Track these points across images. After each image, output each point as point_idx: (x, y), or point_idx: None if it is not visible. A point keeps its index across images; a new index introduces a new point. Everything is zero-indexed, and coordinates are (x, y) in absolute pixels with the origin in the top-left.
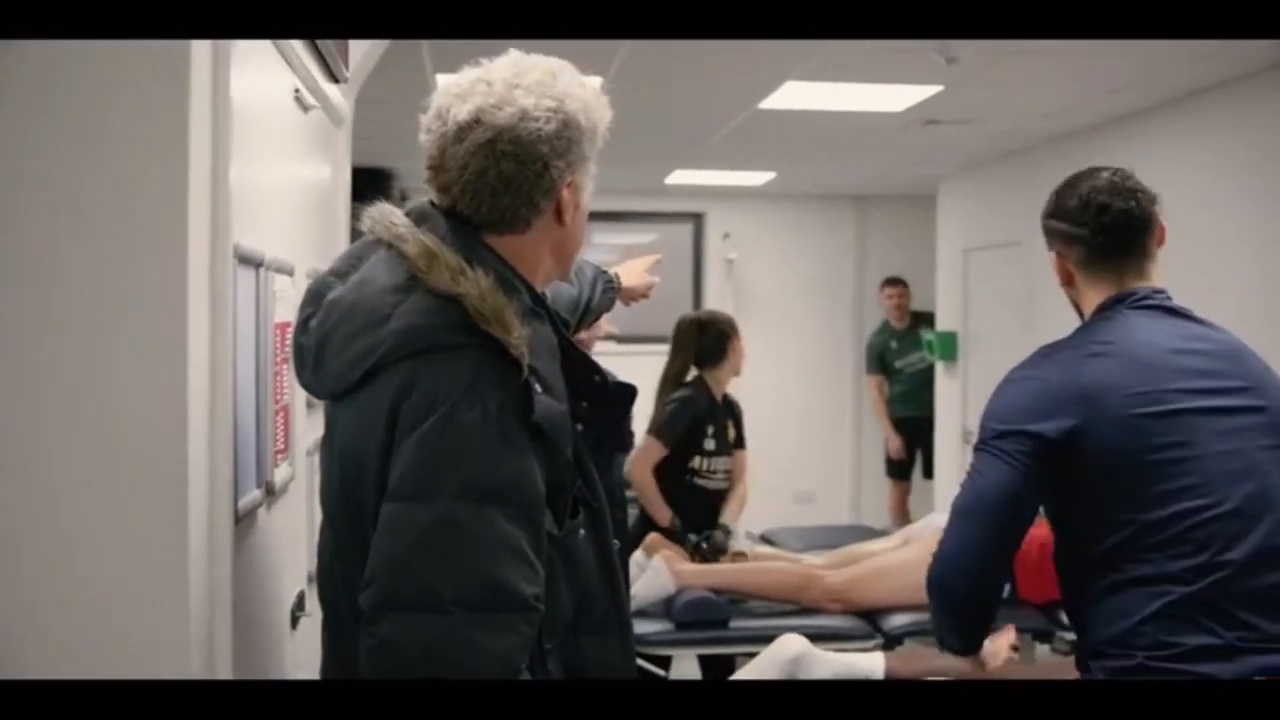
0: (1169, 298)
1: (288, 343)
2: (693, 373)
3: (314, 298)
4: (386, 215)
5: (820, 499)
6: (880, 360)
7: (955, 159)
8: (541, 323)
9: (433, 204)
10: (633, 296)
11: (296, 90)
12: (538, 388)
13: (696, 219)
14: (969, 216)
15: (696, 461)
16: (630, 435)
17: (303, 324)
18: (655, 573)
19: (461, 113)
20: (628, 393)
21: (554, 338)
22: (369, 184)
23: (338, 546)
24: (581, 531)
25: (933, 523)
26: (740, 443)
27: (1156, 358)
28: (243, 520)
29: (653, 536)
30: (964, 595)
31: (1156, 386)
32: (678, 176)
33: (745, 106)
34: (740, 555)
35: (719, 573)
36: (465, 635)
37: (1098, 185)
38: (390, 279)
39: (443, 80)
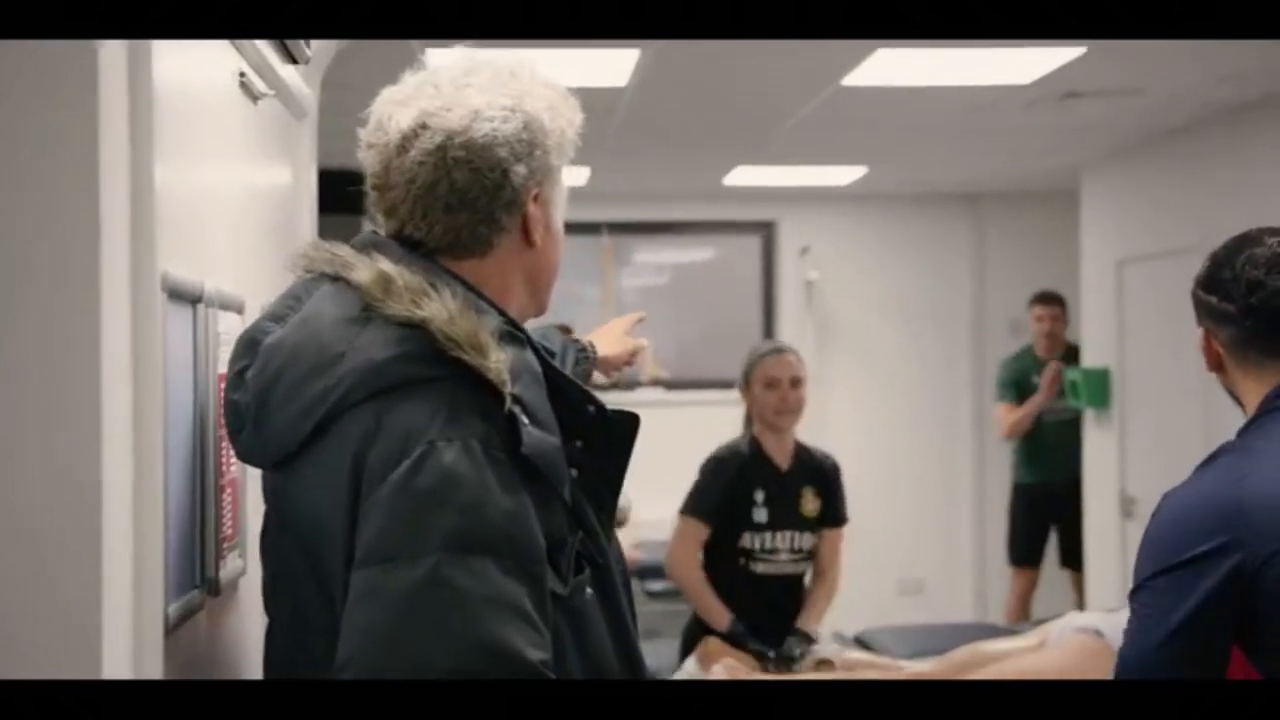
0: None
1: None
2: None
3: (248, 347)
4: (325, 248)
5: (932, 589)
6: (1017, 386)
7: (1102, 143)
8: (521, 348)
9: (375, 233)
10: (613, 366)
11: (242, 75)
12: (524, 418)
13: (766, 229)
14: (1123, 217)
15: (747, 540)
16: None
17: (236, 378)
18: None
19: (404, 120)
20: (628, 424)
21: (537, 365)
22: (343, 190)
23: (292, 656)
24: (589, 591)
25: (1074, 622)
26: (833, 518)
27: None
28: (177, 630)
29: (710, 642)
30: None
31: None
32: (740, 175)
33: (825, 84)
34: (825, 664)
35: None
36: None
37: (1255, 257)
38: (340, 311)
39: (384, 90)
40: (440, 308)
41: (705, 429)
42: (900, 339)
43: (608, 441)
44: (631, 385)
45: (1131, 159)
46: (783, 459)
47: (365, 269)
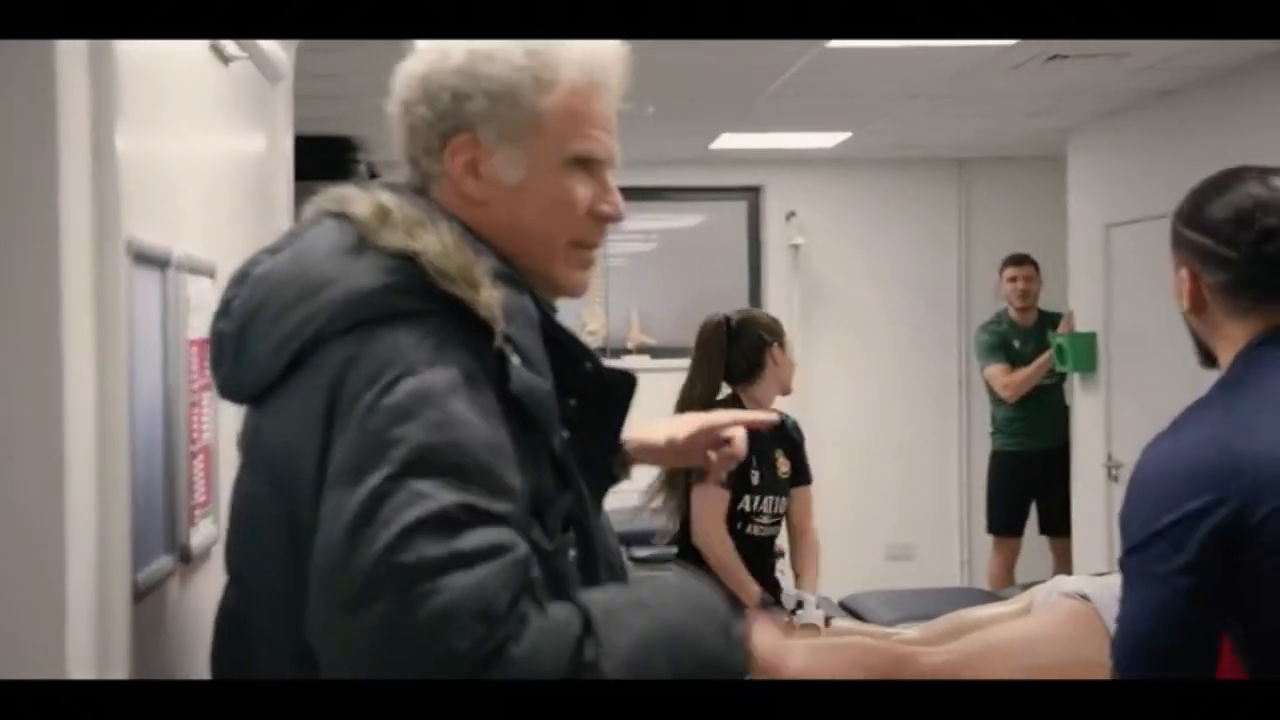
0: None
1: (207, 363)
2: (725, 391)
3: (240, 278)
4: (333, 190)
5: (921, 555)
6: (1003, 349)
7: (1089, 106)
8: (517, 290)
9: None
10: (671, 456)
11: None
12: (515, 358)
13: (752, 194)
14: (1110, 181)
15: (745, 503)
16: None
17: (224, 307)
18: None
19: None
20: (625, 384)
21: (533, 309)
22: (323, 157)
23: (250, 607)
24: (572, 553)
25: (1059, 586)
26: (805, 478)
27: None
28: (146, 597)
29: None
30: None
31: None
32: (726, 140)
33: (808, 45)
34: (811, 629)
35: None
36: (409, 620)
37: (1264, 200)
38: (334, 242)
39: None
40: (435, 240)
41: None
42: (886, 304)
43: (603, 401)
44: (617, 353)
45: (1118, 123)
46: None
47: (364, 201)
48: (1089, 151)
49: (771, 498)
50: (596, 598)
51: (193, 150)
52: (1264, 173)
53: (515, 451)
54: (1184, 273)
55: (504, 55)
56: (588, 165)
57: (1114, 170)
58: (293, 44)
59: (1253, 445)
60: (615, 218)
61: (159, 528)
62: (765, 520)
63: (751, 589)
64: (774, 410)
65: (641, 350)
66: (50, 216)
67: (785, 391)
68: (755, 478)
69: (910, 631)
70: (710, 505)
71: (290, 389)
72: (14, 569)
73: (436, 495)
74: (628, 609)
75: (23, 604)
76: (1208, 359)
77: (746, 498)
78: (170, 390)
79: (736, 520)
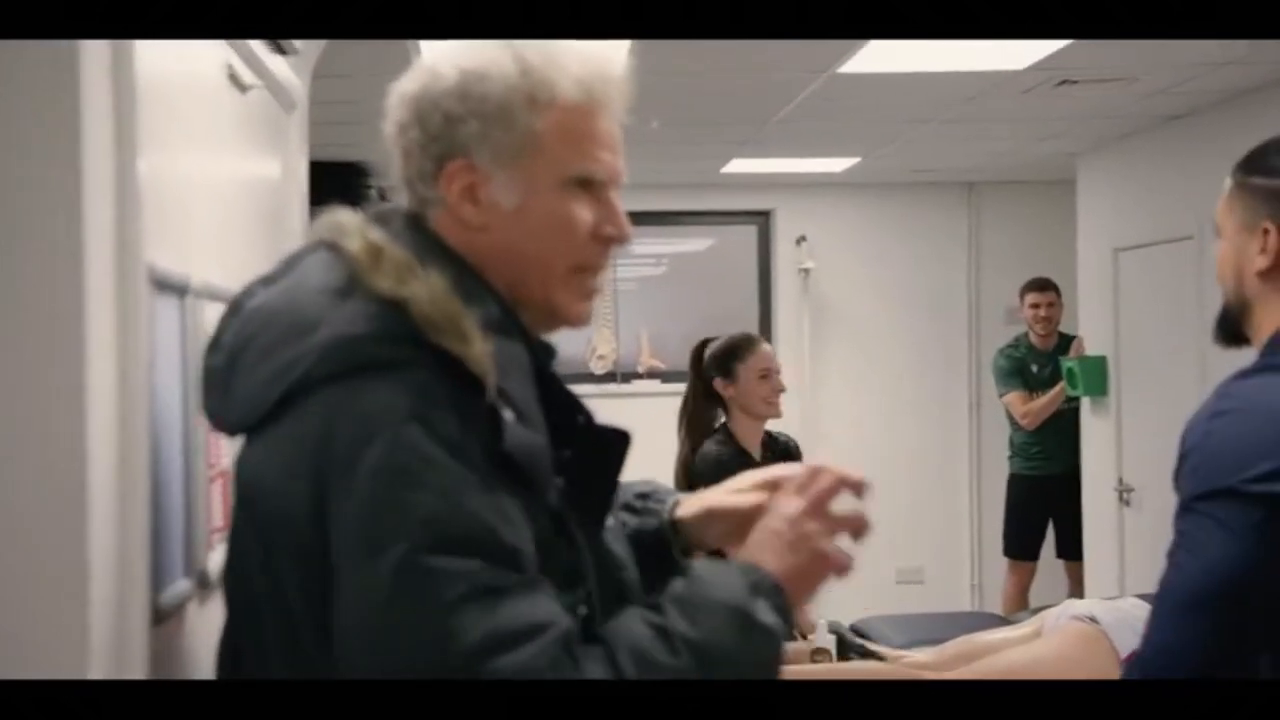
0: None
1: None
2: (722, 418)
3: (234, 310)
4: (330, 215)
5: (932, 579)
6: (1020, 374)
7: (1098, 130)
8: (512, 340)
9: (395, 205)
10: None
11: (230, 67)
12: (508, 414)
13: (762, 219)
14: (1119, 205)
15: None
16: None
17: (215, 340)
18: None
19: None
20: (618, 441)
21: (528, 359)
22: (336, 182)
23: (236, 646)
24: (582, 610)
25: (1070, 609)
26: None
27: None
28: (165, 620)
29: None
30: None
31: None
32: (737, 165)
33: (819, 72)
34: (822, 653)
35: (791, 677)
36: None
37: None
38: (324, 280)
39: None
40: (423, 287)
41: None
42: (896, 327)
43: (596, 456)
44: (627, 377)
45: (1127, 146)
46: (756, 449)
47: (357, 238)
48: (1098, 175)
49: None
50: (624, 638)
51: (210, 177)
52: None
53: (514, 512)
54: (1268, 227)
55: (498, 74)
56: (589, 186)
57: (1123, 194)
58: (308, 72)
59: None
60: (620, 240)
61: (178, 552)
62: None
63: None
64: (768, 432)
65: (652, 374)
66: (75, 244)
67: (768, 409)
68: None
69: (920, 655)
70: None
71: (276, 431)
72: (37, 590)
73: (459, 570)
74: (653, 644)
75: (46, 624)
76: (1234, 337)
77: None
78: (189, 416)
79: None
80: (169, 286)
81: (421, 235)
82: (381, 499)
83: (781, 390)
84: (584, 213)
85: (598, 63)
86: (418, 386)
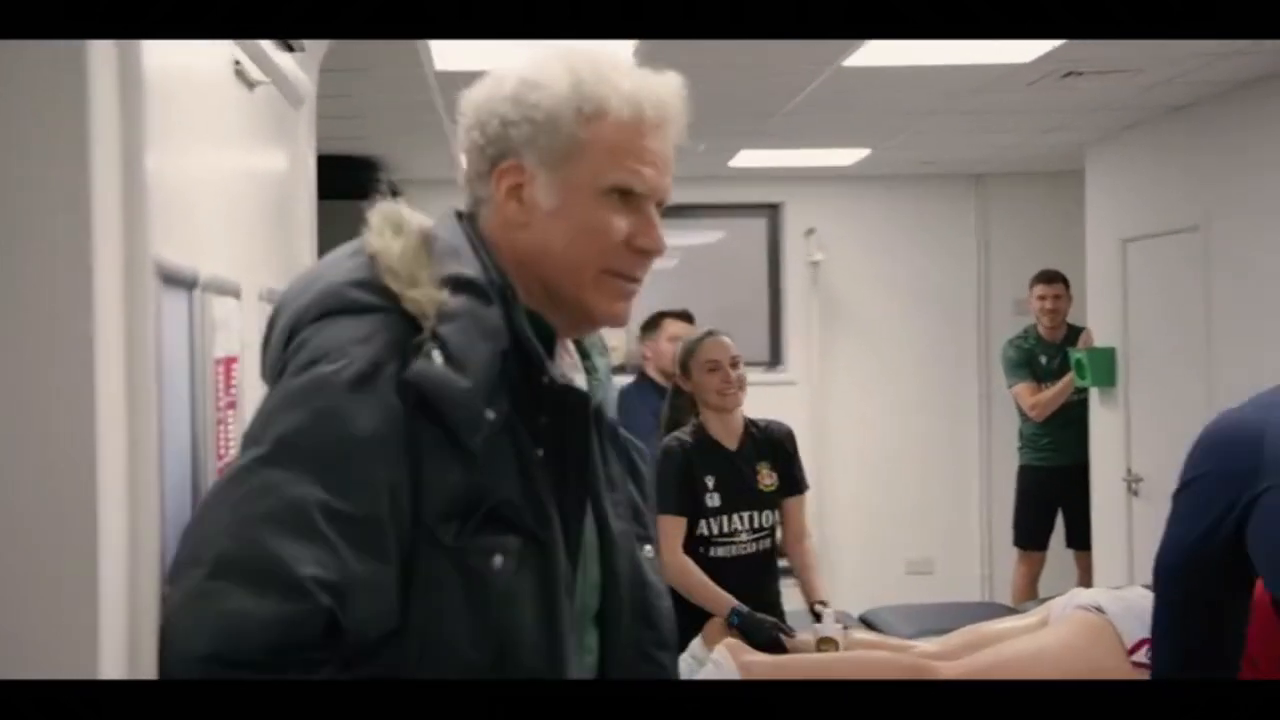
0: None
1: (233, 383)
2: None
3: None
4: (398, 205)
5: (941, 570)
6: (1029, 365)
7: (1105, 122)
8: (485, 302)
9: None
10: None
11: (237, 63)
12: (437, 355)
13: (771, 211)
14: (1126, 195)
15: (703, 526)
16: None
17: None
18: (717, 668)
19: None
20: (576, 400)
21: (498, 321)
22: (345, 177)
23: None
24: (499, 559)
25: (1075, 599)
26: (793, 488)
27: None
28: None
29: (712, 624)
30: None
31: None
32: (745, 158)
33: (825, 64)
34: (829, 643)
35: (797, 666)
36: (214, 594)
37: None
38: (351, 245)
39: None
40: (392, 241)
41: None
42: (906, 319)
43: (565, 417)
44: (638, 369)
45: (1135, 137)
46: (730, 440)
47: (387, 214)
48: (1106, 166)
49: (749, 513)
50: None
51: (218, 172)
52: None
53: (408, 446)
54: None
55: (550, 84)
56: (628, 198)
57: (1130, 185)
58: (315, 68)
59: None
60: (653, 252)
61: None
62: (744, 538)
63: (723, 602)
64: (753, 421)
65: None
66: (83, 239)
67: (718, 408)
68: (714, 499)
69: (927, 644)
70: (664, 536)
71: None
72: (48, 583)
73: (286, 488)
74: None
75: (57, 616)
76: None
77: (702, 521)
78: (198, 410)
79: (698, 545)
80: (177, 280)
81: (454, 221)
82: (266, 412)
83: (733, 382)
84: (619, 221)
85: (653, 86)
86: (368, 325)
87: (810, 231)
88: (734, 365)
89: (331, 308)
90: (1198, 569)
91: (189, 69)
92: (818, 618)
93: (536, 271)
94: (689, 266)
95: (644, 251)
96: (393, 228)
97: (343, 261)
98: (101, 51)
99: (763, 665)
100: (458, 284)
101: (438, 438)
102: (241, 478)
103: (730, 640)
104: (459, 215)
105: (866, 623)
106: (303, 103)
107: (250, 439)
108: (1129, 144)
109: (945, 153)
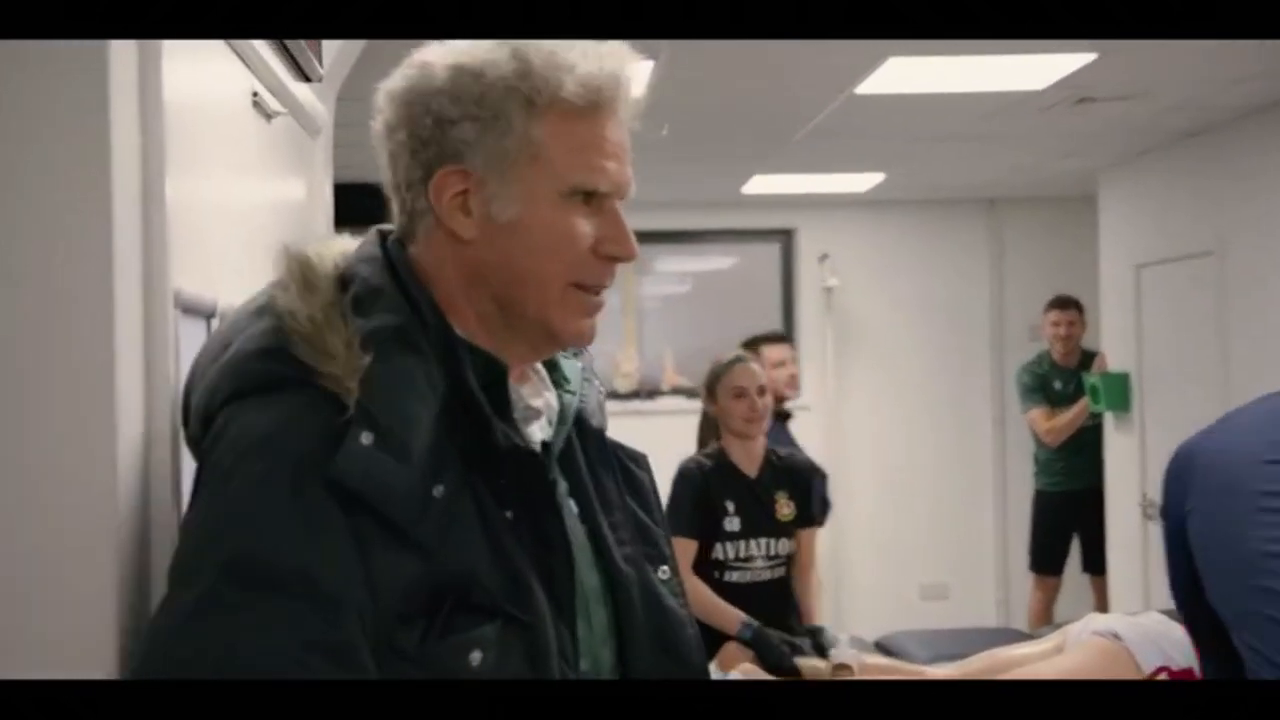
0: None
1: None
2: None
3: None
4: (331, 237)
5: (957, 595)
6: (1043, 391)
7: (1119, 147)
8: (418, 356)
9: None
10: None
11: (255, 94)
12: (365, 436)
13: (785, 237)
14: (1140, 221)
15: (719, 550)
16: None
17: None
18: None
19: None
20: (528, 462)
21: (439, 376)
22: (362, 204)
23: None
24: (476, 655)
25: (1092, 624)
26: (805, 520)
27: None
28: None
29: (728, 647)
30: None
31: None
32: (758, 184)
33: (837, 92)
34: (844, 669)
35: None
36: None
37: None
38: (261, 296)
39: None
40: (300, 302)
41: None
42: (919, 345)
43: (523, 477)
44: (652, 394)
45: (1148, 163)
46: (751, 466)
47: (295, 256)
48: (1120, 191)
49: (766, 540)
50: None
51: (236, 202)
52: None
53: (354, 545)
54: None
55: (494, 73)
56: (592, 199)
57: (1145, 210)
58: (333, 97)
59: (1208, 445)
60: (624, 258)
61: None
62: (759, 564)
63: (730, 617)
64: (775, 451)
65: (676, 391)
66: (104, 269)
67: (743, 435)
68: (733, 524)
69: (943, 670)
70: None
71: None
72: (67, 616)
73: (252, 612)
74: None
75: (74, 652)
76: None
77: (719, 545)
78: None
79: (712, 569)
80: (196, 310)
81: (377, 248)
82: (194, 535)
83: (759, 410)
84: (584, 227)
85: (604, 62)
86: (284, 407)
87: (824, 257)
88: (760, 393)
89: (242, 388)
90: (1192, 596)
91: (208, 100)
92: (813, 637)
93: (491, 292)
94: (702, 292)
95: (613, 259)
96: (301, 284)
97: (251, 323)
98: (123, 84)
99: None
100: (381, 341)
101: (382, 527)
102: (201, 607)
103: (747, 665)
104: (383, 238)
105: (882, 648)
106: (320, 132)
107: (179, 569)
108: (1142, 169)
109: (959, 178)
